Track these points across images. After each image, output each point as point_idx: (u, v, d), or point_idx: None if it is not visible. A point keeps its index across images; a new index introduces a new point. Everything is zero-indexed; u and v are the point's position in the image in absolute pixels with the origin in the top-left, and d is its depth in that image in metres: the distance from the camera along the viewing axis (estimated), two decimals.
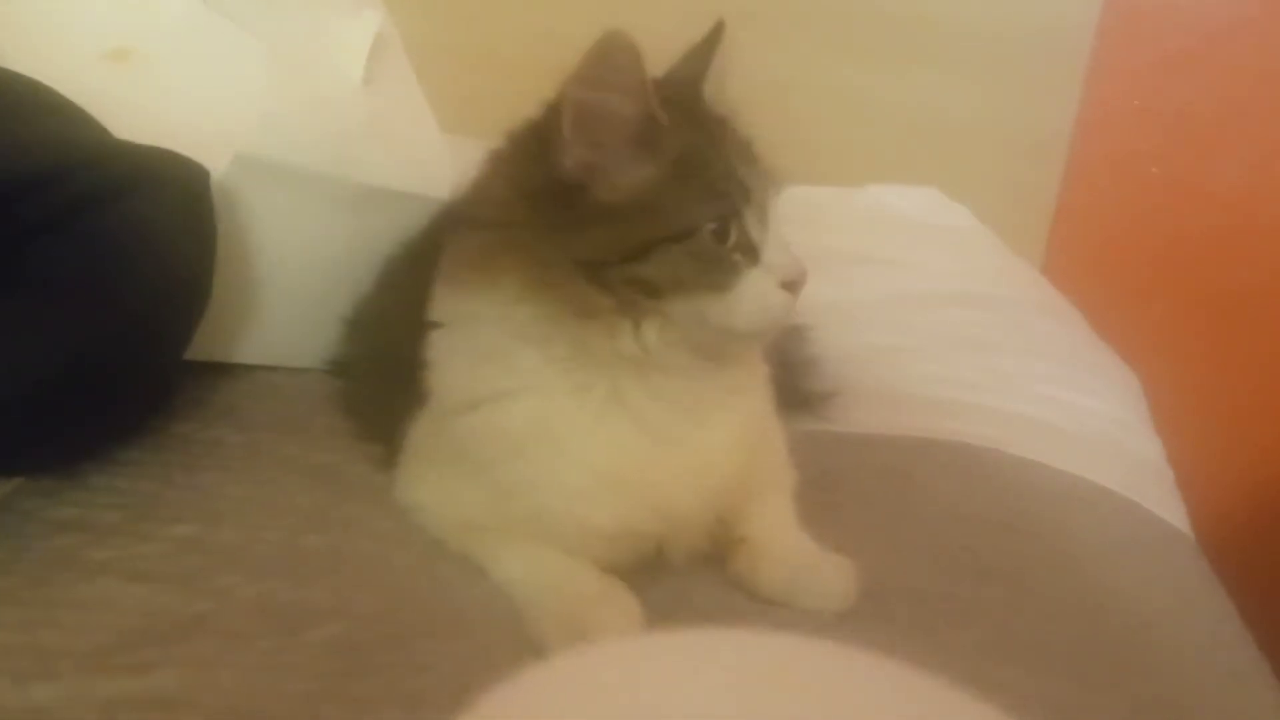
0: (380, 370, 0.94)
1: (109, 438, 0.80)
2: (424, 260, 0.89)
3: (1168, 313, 1.78)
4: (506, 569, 0.76)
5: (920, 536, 0.89)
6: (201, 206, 0.83)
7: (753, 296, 0.71)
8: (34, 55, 0.94)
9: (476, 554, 0.78)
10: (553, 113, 0.71)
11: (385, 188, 1.00)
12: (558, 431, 0.74)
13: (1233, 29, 1.70)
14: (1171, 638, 0.83)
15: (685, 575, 0.79)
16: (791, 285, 0.73)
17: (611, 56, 0.68)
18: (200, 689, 0.60)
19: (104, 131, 0.85)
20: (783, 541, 0.81)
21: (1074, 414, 1.18)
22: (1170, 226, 1.77)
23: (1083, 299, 1.56)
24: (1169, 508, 1.08)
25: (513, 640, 0.69)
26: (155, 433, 0.85)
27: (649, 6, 1.71)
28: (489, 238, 0.74)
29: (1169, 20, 1.72)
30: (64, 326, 0.73)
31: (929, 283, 1.44)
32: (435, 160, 1.02)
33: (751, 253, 0.72)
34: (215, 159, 0.89)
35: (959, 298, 1.41)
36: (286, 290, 0.98)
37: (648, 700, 0.33)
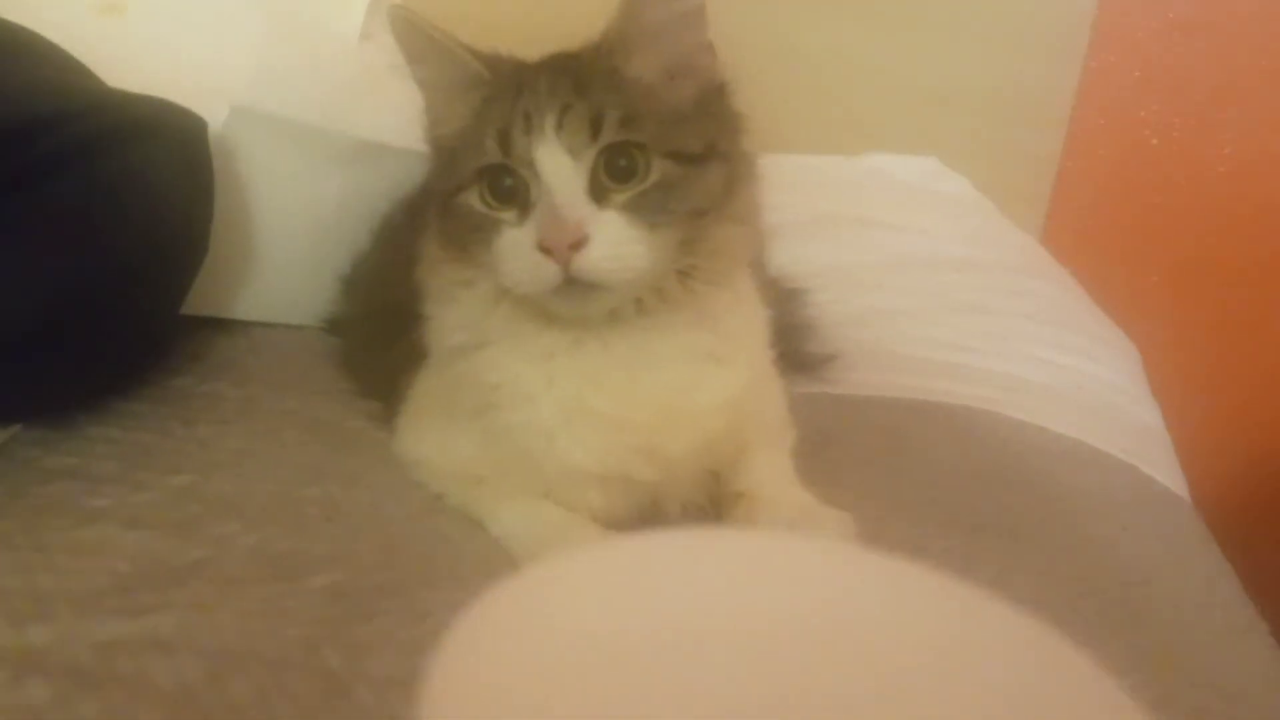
0: (377, 328, 0.93)
1: (103, 386, 0.80)
2: (419, 217, 0.89)
3: (1166, 282, 1.78)
4: (504, 523, 0.77)
5: (918, 493, 0.89)
6: (199, 156, 0.83)
7: (510, 255, 0.69)
8: (26, 6, 0.93)
9: (475, 508, 0.78)
10: None
11: (381, 143, 1.00)
12: (519, 376, 0.74)
13: None
14: (1169, 593, 0.83)
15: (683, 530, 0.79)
16: (544, 247, 0.67)
17: (396, 29, 0.73)
18: (198, 631, 0.59)
19: (99, 81, 0.84)
20: (781, 496, 0.80)
21: (1072, 378, 1.18)
22: (1170, 197, 1.76)
23: (1082, 268, 1.56)
24: (1167, 473, 1.08)
25: None
26: (152, 385, 0.85)
27: None
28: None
29: None
30: (55, 268, 0.72)
31: (928, 247, 1.44)
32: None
33: (525, 210, 0.70)
34: (209, 112, 0.88)
35: (958, 262, 1.41)
36: (283, 246, 0.98)
37: (647, 593, 0.33)
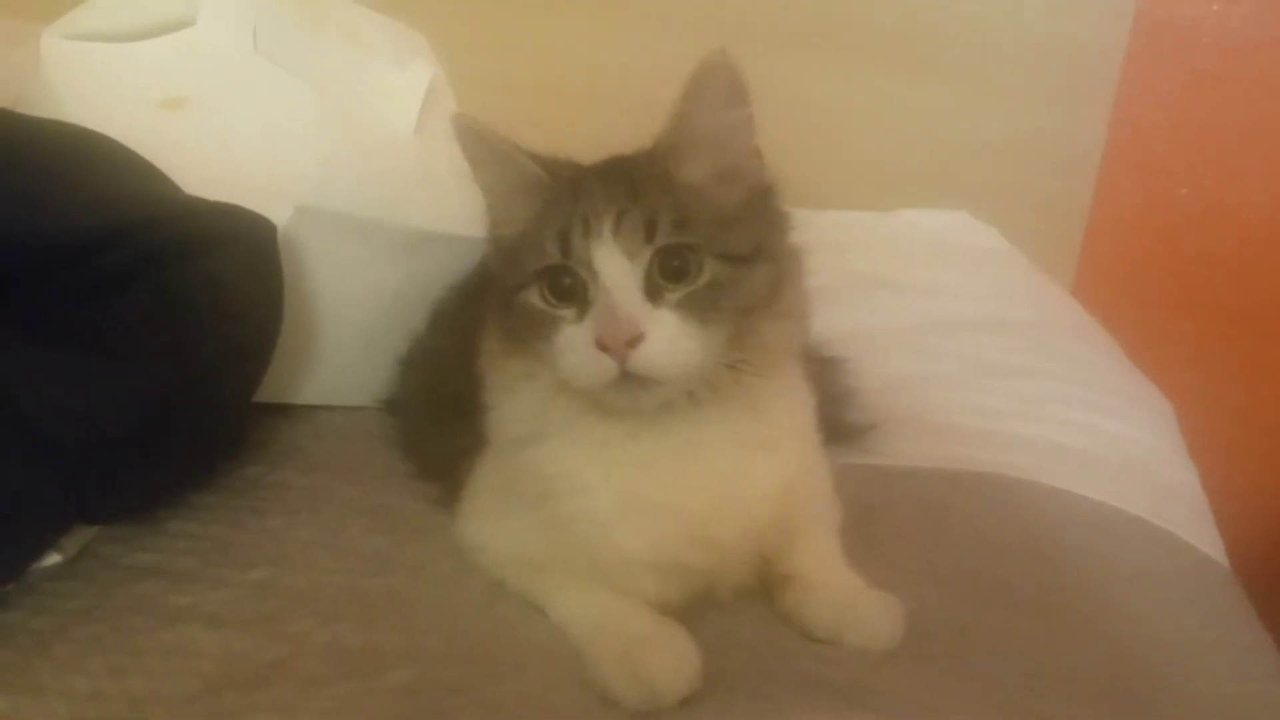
0: (434, 409, 0.97)
1: (184, 485, 0.84)
2: (473, 300, 0.93)
3: (1198, 331, 1.79)
4: (564, 610, 0.79)
5: (958, 569, 0.91)
6: (269, 260, 0.87)
7: (569, 352, 0.73)
8: (94, 105, 0.98)
9: (534, 594, 0.81)
10: None
11: (437, 231, 1.04)
12: (576, 467, 0.78)
13: (1260, 48, 1.72)
14: (1207, 668, 0.85)
15: (735, 612, 0.82)
16: (601, 345, 0.70)
17: (460, 135, 0.78)
18: None
19: (176, 188, 0.88)
20: (829, 579, 0.83)
21: (1106, 441, 1.20)
22: (1200, 245, 1.78)
23: (1113, 318, 1.58)
24: (1202, 536, 1.10)
25: (574, 680, 0.73)
26: (225, 476, 0.89)
27: (677, 36, 1.76)
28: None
29: (1198, 40, 1.73)
30: (140, 379, 0.76)
31: (959, 308, 1.46)
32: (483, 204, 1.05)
33: (583, 308, 0.73)
34: (270, 203, 0.92)
35: (990, 324, 1.43)
36: (343, 332, 1.02)
37: None
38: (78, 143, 0.88)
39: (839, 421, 1.08)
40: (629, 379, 0.71)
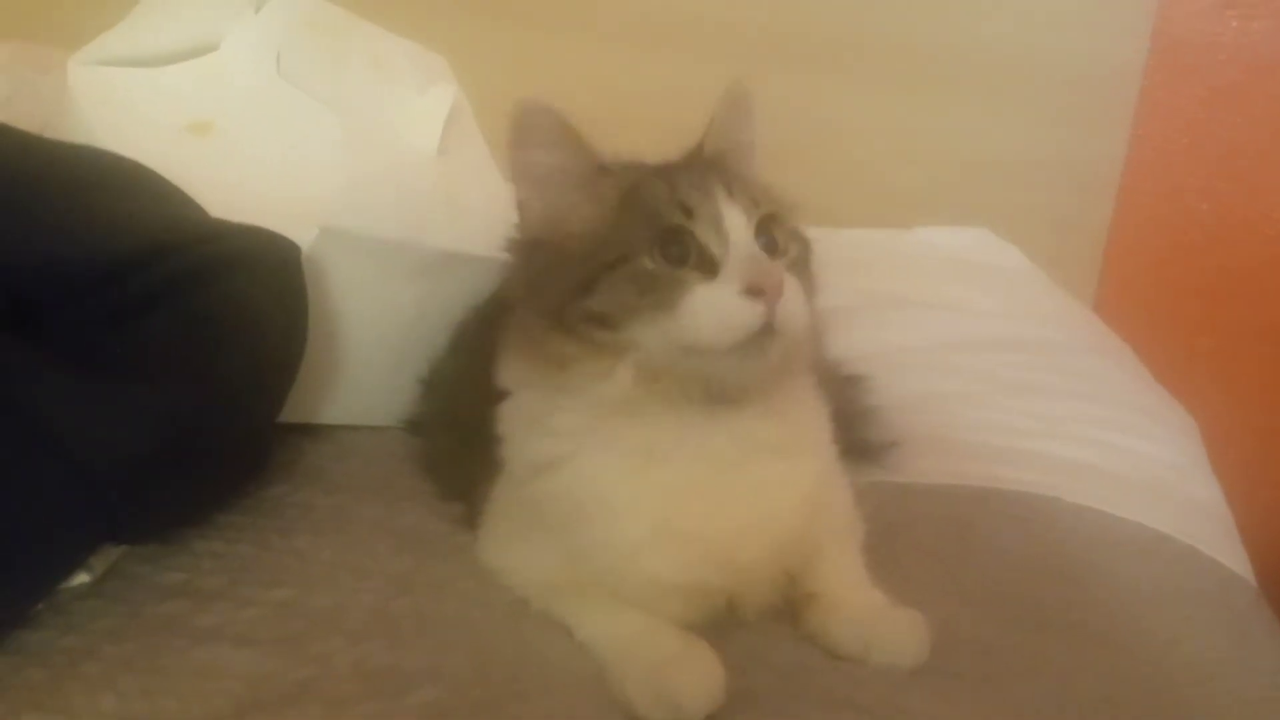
0: (456, 429, 0.97)
1: (210, 504, 0.84)
2: (492, 325, 0.93)
3: (1220, 347, 1.79)
4: (588, 630, 0.79)
5: (983, 587, 0.91)
6: (294, 281, 0.88)
7: (705, 309, 0.71)
8: (120, 130, 0.99)
9: (559, 614, 0.81)
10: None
11: (459, 252, 1.04)
12: (608, 490, 0.77)
13: (1278, 64, 1.72)
14: (1235, 689, 0.84)
15: (760, 631, 0.81)
16: (756, 290, 0.71)
17: (528, 118, 0.77)
18: None
19: (201, 211, 0.89)
20: (854, 598, 0.82)
21: (1130, 459, 1.20)
22: (1221, 261, 1.78)
23: (1135, 334, 1.58)
24: (1229, 553, 1.09)
25: (599, 700, 0.72)
26: (250, 496, 0.89)
27: (699, 59, 1.77)
28: (511, 315, 0.81)
29: (1215, 57, 1.74)
30: (167, 401, 0.76)
31: (980, 326, 1.46)
32: (506, 224, 1.05)
33: (710, 267, 0.73)
34: (294, 226, 0.93)
35: (1011, 342, 1.43)
36: (366, 353, 1.03)
37: None
38: (104, 167, 0.90)
39: (859, 439, 1.08)
40: (764, 334, 0.72)
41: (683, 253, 0.73)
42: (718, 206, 0.74)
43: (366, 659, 0.73)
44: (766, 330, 0.71)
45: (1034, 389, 1.30)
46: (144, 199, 0.88)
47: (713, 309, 0.71)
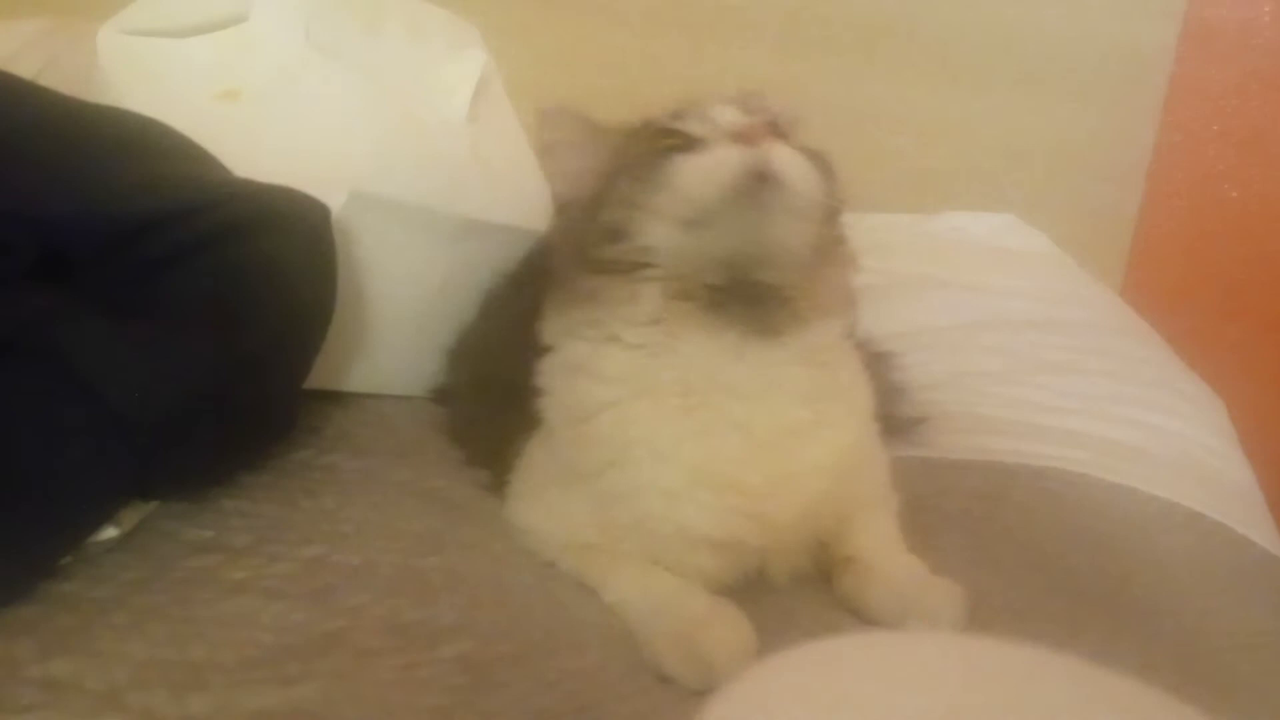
0: (483, 398, 0.97)
1: (237, 463, 0.84)
2: (523, 291, 0.93)
3: (1249, 334, 1.77)
4: (617, 590, 0.79)
5: (1017, 559, 0.90)
6: (323, 242, 0.87)
7: (689, 166, 0.74)
8: (150, 99, 0.99)
9: (587, 575, 0.81)
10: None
11: (488, 221, 1.04)
12: (649, 434, 0.77)
13: None
14: (1271, 660, 0.84)
15: (790, 595, 0.81)
16: (742, 136, 0.74)
17: (553, 124, 0.85)
18: (341, 701, 0.63)
19: (226, 171, 0.89)
20: (891, 563, 0.82)
21: (1161, 436, 1.19)
22: (1251, 249, 1.76)
23: (1163, 321, 1.56)
24: (1261, 531, 1.08)
25: (630, 658, 0.72)
26: (276, 458, 0.89)
27: (725, 43, 1.77)
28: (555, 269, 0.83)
29: (1247, 43, 1.72)
30: (198, 353, 0.76)
31: (1009, 307, 1.45)
32: (534, 193, 1.05)
33: (698, 145, 0.76)
34: (324, 191, 0.92)
35: (1039, 322, 1.42)
36: (394, 321, 1.02)
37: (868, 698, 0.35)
38: (136, 128, 0.90)
39: (889, 415, 1.07)
40: (760, 183, 0.72)
41: (672, 145, 0.76)
42: (710, 107, 0.77)
43: (397, 613, 0.72)
44: (761, 179, 0.72)
45: (1064, 368, 1.29)
46: (175, 159, 0.88)
47: (696, 164, 0.74)
